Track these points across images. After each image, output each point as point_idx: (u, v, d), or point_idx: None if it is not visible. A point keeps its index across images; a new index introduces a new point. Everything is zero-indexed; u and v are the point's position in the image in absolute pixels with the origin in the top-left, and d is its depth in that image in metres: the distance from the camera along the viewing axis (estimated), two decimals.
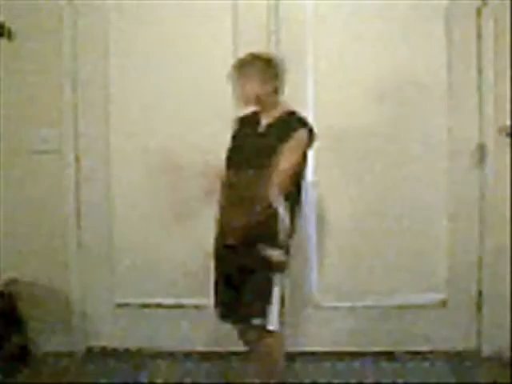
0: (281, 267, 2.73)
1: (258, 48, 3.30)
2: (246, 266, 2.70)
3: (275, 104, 2.81)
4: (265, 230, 2.69)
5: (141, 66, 3.49)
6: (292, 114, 2.81)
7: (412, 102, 3.46)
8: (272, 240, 2.70)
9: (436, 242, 3.50)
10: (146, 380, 3.29)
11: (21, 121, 3.50)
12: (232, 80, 2.82)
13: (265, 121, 2.81)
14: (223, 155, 2.87)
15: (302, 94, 3.42)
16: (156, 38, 3.48)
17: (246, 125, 2.90)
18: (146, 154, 3.52)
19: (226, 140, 2.92)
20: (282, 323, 2.75)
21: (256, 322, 2.68)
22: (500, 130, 3.39)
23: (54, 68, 3.48)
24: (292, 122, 2.77)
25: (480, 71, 3.41)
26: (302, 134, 2.73)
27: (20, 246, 3.52)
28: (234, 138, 2.91)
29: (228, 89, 3.34)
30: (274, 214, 2.69)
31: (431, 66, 3.44)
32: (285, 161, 2.67)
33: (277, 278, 2.72)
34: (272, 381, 2.77)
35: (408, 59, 3.44)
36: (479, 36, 3.41)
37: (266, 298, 2.69)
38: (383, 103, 3.44)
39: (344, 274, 3.50)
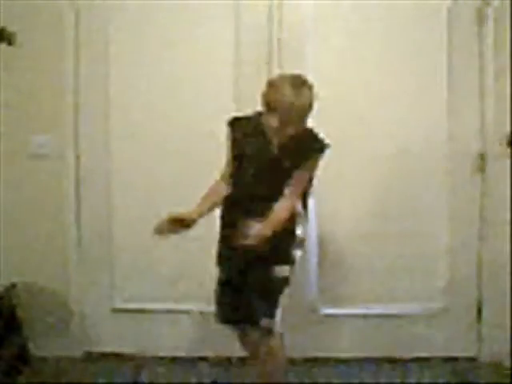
0: (287, 282, 2.74)
1: (259, 48, 3.37)
2: (253, 269, 2.69)
3: None
4: (279, 250, 2.69)
5: (142, 67, 3.48)
6: (308, 132, 2.70)
7: (413, 104, 3.45)
8: (285, 259, 2.71)
9: (436, 249, 3.49)
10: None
11: (20, 122, 3.48)
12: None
13: (277, 138, 2.63)
14: (222, 156, 2.83)
15: None
16: (157, 39, 3.47)
17: (251, 133, 2.72)
18: (147, 156, 3.51)
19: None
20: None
21: (264, 322, 2.68)
22: (501, 141, 3.40)
23: (55, 69, 3.46)
24: (309, 146, 2.67)
25: (481, 72, 3.41)
26: (318, 158, 2.69)
27: (19, 249, 3.49)
28: (237, 142, 2.77)
29: (229, 89, 3.37)
30: (290, 232, 2.70)
31: (431, 69, 3.44)
32: (298, 182, 2.67)
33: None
34: (276, 381, 2.78)
35: (409, 62, 3.44)
36: (481, 38, 3.41)
37: (274, 300, 2.72)
38: (383, 105, 3.44)
39: (344, 281, 3.50)
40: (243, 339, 2.84)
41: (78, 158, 3.52)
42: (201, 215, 2.69)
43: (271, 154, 2.67)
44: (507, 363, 3.36)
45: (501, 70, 3.38)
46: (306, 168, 2.68)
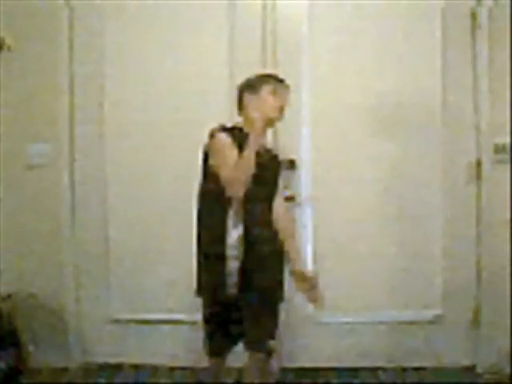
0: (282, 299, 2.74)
1: (254, 48, 3.39)
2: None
3: None
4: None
5: (137, 68, 3.51)
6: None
7: (408, 111, 3.46)
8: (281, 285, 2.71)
9: (432, 257, 3.49)
10: None
11: (16, 131, 3.50)
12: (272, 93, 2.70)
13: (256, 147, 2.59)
14: None
15: (298, 96, 3.41)
16: (152, 41, 3.49)
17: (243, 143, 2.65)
18: (143, 161, 3.51)
19: None
20: None
21: (269, 344, 2.64)
22: (496, 150, 3.40)
23: (50, 73, 3.48)
24: (274, 155, 2.82)
25: (476, 79, 3.41)
26: None
27: (15, 260, 3.51)
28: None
29: (224, 90, 3.37)
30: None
31: (425, 71, 3.45)
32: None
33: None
34: None
35: (402, 62, 3.45)
36: (474, 38, 3.41)
37: (274, 320, 2.69)
38: (380, 108, 3.45)
39: (340, 289, 3.47)
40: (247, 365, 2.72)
41: (72, 168, 3.54)
42: None
43: (263, 164, 2.67)
44: (503, 372, 3.35)
45: (495, 73, 3.38)
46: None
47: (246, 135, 2.56)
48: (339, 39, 3.45)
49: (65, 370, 3.50)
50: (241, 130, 2.67)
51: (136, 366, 3.52)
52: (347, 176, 3.48)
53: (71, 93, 3.52)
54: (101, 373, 3.50)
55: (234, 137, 2.60)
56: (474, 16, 3.40)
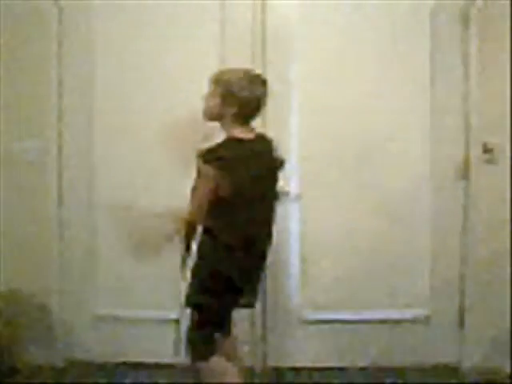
0: None
1: (245, 51, 3.36)
2: None
3: None
4: None
5: (127, 68, 3.47)
6: None
7: (395, 108, 3.45)
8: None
9: (419, 257, 3.50)
10: None
11: (5, 129, 3.46)
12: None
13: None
14: None
15: (289, 98, 3.43)
16: (142, 39, 3.45)
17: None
18: (133, 160, 3.48)
19: None
20: None
21: None
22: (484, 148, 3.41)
23: (38, 73, 3.45)
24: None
25: (465, 77, 3.42)
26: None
27: (1, 259, 3.46)
28: None
29: None
30: None
31: (414, 72, 3.44)
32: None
33: None
34: None
35: (391, 63, 3.44)
36: (465, 43, 3.41)
37: None
38: (372, 109, 3.44)
39: (327, 289, 3.49)
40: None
41: (60, 165, 3.50)
42: None
43: None
44: (488, 371, 3.38)
45: (485, 73, 3.38)
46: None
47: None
48: (328, 38, 3.43)
49: (50, 367, 3.48)
50: (240, 140, 2.69)
51: (122, 364, 3.50)
52: (335, 173, 3.47)
53: (60, 94, 3.48)
54: (86, 370, 3.48)
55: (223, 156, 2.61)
56: (464, 16, 3.40)
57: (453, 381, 3.38)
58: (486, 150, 3.41)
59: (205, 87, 2.86)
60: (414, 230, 3.50)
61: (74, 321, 3.57)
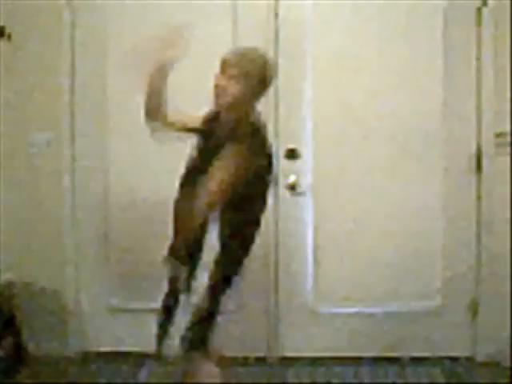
0: None
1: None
2: None
3: None
4: None
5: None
6: None
7: (409, 104, 3.46)
8: None
9: (432, 248, 3.50)
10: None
11: (18, 122, 3.49)
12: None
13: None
14: None
15: (301, 95, 3.44)
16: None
17: None
18: (145, 154, 3.48)
19: None
20: None
21: None
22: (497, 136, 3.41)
23: (52, 69, 3.47)
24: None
25: (478, 71, 3.42)
26: None
27: (16, 248, 3.50)
28: None
29: None
30: None
31: (429, 68, 3.45)
32: None
33: None
34: None
35: (406, 61, 3.45)
36: (478, 38, 3.41)
37: None
38: (380, 104, 3.45)
39: (340, 280, 3.51)
40: None
41: (74, 157, 3.53)
42: None
43: None
44: (502, 362, 3.39)
45: (498, 69, 3.38)
46: None
47: None
48: (342, 38, 3.44)
49: (65, 358, 3.50)
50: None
51: (136, 355, 3.50)
52: (348, 167, 3.48)
53: (72, 91, 3.50)
54: (100, 361, 3.50)
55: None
56: (477, 14, 3.40)
57: (466, 370, 3.38)
58: (499, 143, 3.41)
59: None
60: (427, 222, 3.50)
61: (90, 312, 3.59)
